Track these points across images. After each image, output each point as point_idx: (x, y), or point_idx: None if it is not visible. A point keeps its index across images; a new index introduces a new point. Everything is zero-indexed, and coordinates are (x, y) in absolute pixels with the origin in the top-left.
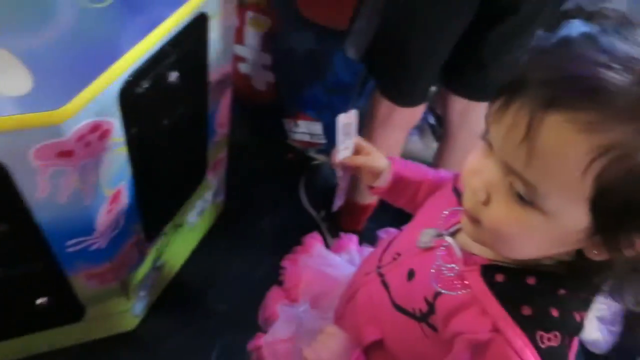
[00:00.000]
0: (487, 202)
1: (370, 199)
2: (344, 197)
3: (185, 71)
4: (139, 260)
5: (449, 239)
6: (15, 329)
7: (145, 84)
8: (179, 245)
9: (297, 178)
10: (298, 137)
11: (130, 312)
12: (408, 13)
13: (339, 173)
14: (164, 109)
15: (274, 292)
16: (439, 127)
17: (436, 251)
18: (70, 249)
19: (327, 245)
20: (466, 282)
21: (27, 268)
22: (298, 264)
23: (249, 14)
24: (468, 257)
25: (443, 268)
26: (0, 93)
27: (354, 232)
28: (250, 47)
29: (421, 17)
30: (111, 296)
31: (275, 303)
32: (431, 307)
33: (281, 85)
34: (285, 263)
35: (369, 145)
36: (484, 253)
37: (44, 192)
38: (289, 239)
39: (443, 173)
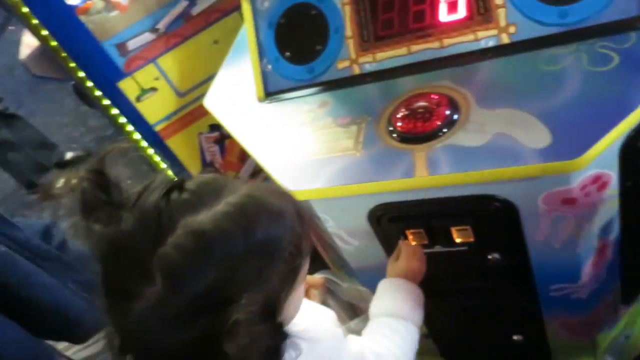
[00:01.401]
0: None
1: None
2: None
3: None
4: (612, 322)
5: None
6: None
7: None
8: None
9: None
10: None
11: None
12: None
13: None
14: None
15: None
16: None
17: None
18: (553, 293)
19: None
20: None
21: (511, 302)
22: None
23: None
24: None
25: None
26: (524, 145)
27: None
28: None
29: None
30: (578, 352)
31: None
32: None
33: None
34: None
35: None
36: None
37: (542, 234)
38: None
39: None
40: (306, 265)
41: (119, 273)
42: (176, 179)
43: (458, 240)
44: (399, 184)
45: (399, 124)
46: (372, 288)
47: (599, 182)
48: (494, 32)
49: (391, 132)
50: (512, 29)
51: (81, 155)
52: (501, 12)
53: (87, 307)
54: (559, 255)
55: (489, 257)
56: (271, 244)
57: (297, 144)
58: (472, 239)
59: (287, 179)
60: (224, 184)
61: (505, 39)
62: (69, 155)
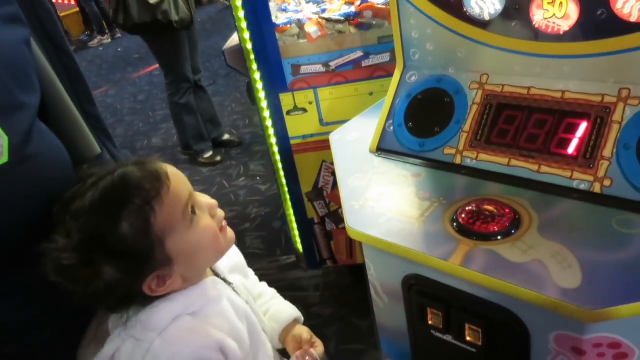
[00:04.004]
0: None
1: None
2: None
3: None
4: None
5: None
6: None
7: None
8: None
9: None
10: None
11: None
12: None
13: None
14: None
15: None
16: None
17: None
18: None
19: None
20: None
21: None
22: None
23: None
24: None
25: None
26: (553, 278)
27: None
28: None
29: None
30: None
31: None
32: None
33: None
34: None
35: None
36: None
37: None
38: None
39: None
40: (170, 214)
41: None
42: (84, 173)
43: (468, 338)
44: (429, 259)
45: (462, 215)
46: (390, 353)
47: (618, 349)
48: (590, 178)
49: (453, 220)
50: (607, 182)
51: (235, 141)
52: (604, 164)
53: None
54: None
55: None
56: (116, 210)
57: (377, 194)
58: (480, 343)
59: (351, 216)
60: (102, 174)
61: (596, 189)
62: (225, 137)
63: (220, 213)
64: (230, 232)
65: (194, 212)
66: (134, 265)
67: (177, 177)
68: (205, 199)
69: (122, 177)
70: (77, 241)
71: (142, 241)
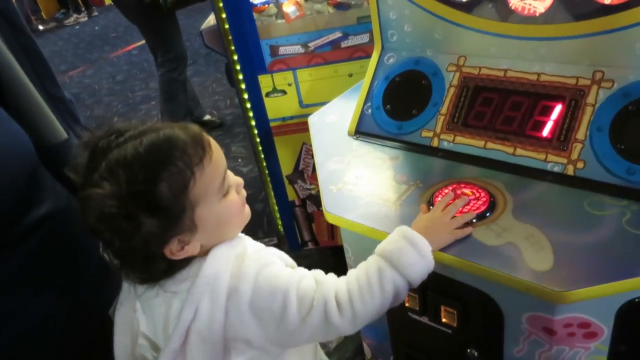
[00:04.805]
0: None
1: None
2: None
3: None
4: None
5: None
6: None
7: None
8: None
9: None
10: None
11: None
12: None
13: None
14: None
15: None
16: None
17: None
18: None
19: None
20: None
21: None
22: None
23: None
24: None
25: None
26: (525, 261)
27: None
28: None
29: None
30: None
31: None
32: None
33: None
34: None
35: None
36: None
37: (520, 351)
38: None
39: None
40: (207, 183)
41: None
42: (117, 129)
43: (444, 320)
44: None
45: (438, 199)
46: (368, 335)
47: (587, 329)
48: (563, 160)
49: (429, 203)
50: (580, 165)
51: (216, 122)
52: (577, 147)
53: None
54: None
55: (468, 350)
56: (157, 164)
57: (355, 178)
58: (456, 324)
59: (328, 199)
60: (143, 130)
61: (569, 171)
62: (206, 117)
63: (244, 192)
64: (247, 209)
65: (226, 187)
66: (165, 225)
67: (217, 150)
68: (233, 177)
69: (169, 137)
70: (123, 192)
71: (176, 203)
